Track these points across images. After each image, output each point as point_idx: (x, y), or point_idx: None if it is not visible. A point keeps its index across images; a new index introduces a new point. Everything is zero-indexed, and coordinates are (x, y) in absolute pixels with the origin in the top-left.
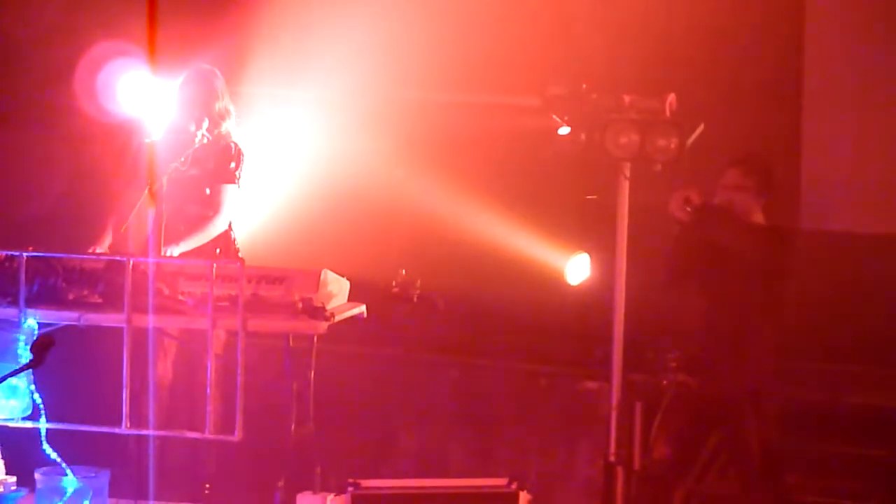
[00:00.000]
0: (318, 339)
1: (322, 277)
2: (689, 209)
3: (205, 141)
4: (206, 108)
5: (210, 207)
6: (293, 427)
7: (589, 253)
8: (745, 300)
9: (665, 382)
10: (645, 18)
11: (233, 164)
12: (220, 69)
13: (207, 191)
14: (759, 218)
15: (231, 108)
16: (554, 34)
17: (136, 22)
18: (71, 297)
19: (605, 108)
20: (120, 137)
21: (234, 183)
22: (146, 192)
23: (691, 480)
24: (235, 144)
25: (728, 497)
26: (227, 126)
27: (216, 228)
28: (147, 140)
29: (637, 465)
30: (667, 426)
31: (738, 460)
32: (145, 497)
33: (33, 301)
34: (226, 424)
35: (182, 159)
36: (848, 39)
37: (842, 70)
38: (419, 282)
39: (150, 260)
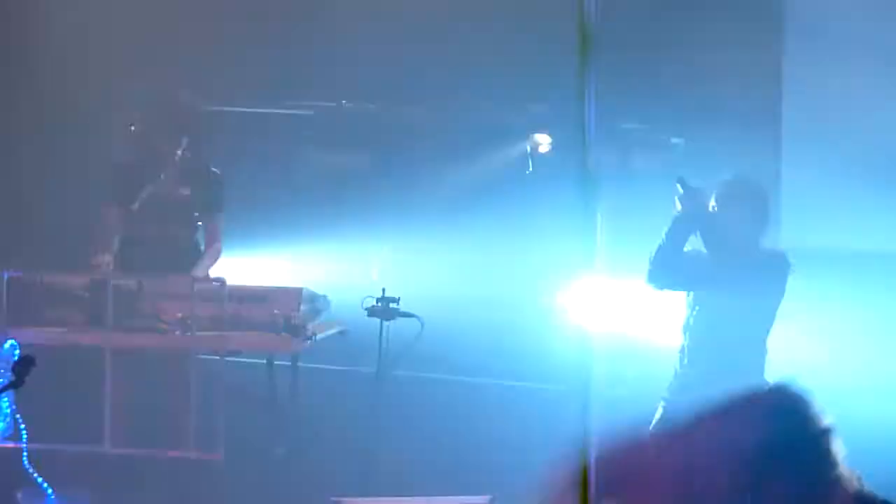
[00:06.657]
0: (299, 358)
1: (303, 295)
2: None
3: (187, 156)
4: (181, 128)
5: (207, 235)
6: (275, 446)
7: None
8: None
9: None
10: None
11: (217, 190)
12: (195, 86)
13: (196, 215)
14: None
15: (206, 126)
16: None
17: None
18: (52, 315)
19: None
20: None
21: (222, 211)
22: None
23: None
24: (214, 170)
25: None
26: (203, 145)
27: (219, 256)
28: (125, 157)
29: None
30: None
31: None
32: None
33: (14, 320)
34: (207, 444)
35: (161, 177)
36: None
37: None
38: (400, 299)
39: (132, 279)
